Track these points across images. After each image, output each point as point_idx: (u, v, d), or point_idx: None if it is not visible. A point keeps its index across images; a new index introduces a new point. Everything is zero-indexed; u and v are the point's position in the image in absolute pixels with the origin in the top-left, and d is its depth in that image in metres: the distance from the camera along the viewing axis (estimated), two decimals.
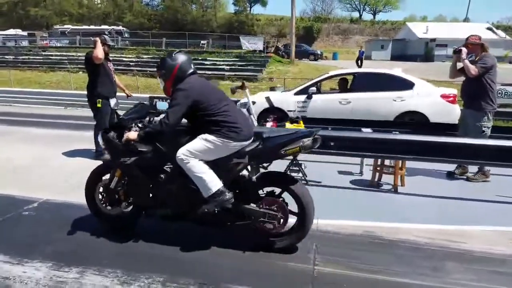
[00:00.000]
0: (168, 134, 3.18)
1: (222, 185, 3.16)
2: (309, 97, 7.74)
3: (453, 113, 6.89)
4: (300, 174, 5.38)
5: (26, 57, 28.97)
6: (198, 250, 3.42)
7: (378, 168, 5.33)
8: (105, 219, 3.69)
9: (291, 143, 3.20)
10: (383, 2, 64.25)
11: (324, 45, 52.29)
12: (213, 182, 3.14)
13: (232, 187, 3.24)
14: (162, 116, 3.15)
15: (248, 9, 61.29)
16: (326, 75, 8.15)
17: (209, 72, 24.46)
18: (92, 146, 6.62)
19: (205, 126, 3.15)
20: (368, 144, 5.00)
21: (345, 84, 8.09)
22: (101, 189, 3.61)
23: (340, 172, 5.81)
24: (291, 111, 7.71)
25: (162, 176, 3.30)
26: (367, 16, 65.18)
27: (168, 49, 31.29)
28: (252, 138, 3.27)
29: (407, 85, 7.25)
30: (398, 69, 7.97)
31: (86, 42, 35.54)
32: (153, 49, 30.65)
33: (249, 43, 30.82)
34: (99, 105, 6.06)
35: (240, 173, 3.34)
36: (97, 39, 6.05)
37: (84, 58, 6.26)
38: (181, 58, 3.31)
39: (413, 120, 6.79)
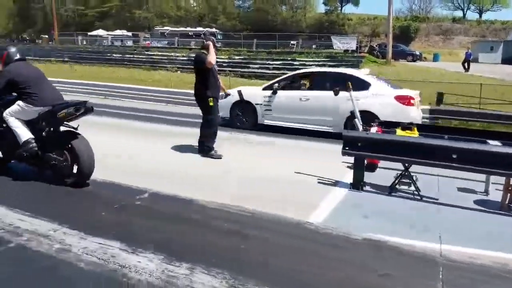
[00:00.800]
0: None
1: (31, 137, 4.68)
2: (274, 92, 8.54)
3: (405, 114, 7.28)
4: (412, 188, 4.91)
5: (131, 56, 31.74)
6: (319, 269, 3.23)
7: (511, 189, 4.63)
8: None
9: (62, 109, 4.60)
10: (492, 0, 58.24)
11: (422, 46, 49.05)
12: (23, 134, 4.67)
13: (39, 140, 4.71)
14: None
15: (339, 8, 60.09)
16: (288, 75, 9.08)
17: None
18: (194, 142, 6.85)
19: (19, 96, 4.71)
20: (497, 159, 4.38)
21: (309, 82, 8.79)
22: None
23: (460, 189, 5.19)
24: (258, 104, 8.69)
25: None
26: (471, 15, 59.71)
27: (259, 50, 31.92)
28: (51, 106, 4.68)
29: (363, 85, 7.72)
30: (365, 70, 8.66)
31: (182, 43, 37.81)
32: (244, 50, 31.47)
33: (340, 43, 30.06)
34: (211, 104, 6.23)
35: (44, 130, 4.73)
36: (210, 43, 6.19)
37: (193, 58, 6.46)
38: (9, 48, 4.92)
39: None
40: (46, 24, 60.61)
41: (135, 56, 31.63)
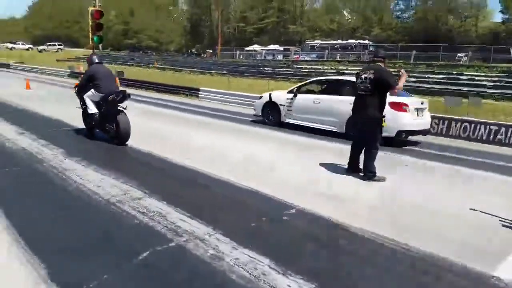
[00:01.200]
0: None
1: (96, 111, 7.46)
2: (295, 95, 10.22)
3: (396, 118, 8.37)
4: None
5: (281, 69, 33.15)
6: None
7: None
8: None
9: (110, 95, 7.18)
10: None
11: None
12: (92, 109, 7.48)
13: (100, 114, 7.50)
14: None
15: None
16: (308, 81, 10.88)
17: (465, 89, 21.78)
18: (342, 159, 6.51)
19: (92, 85, 7.51)
20: None
21: (324, 87, 10.22)
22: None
23: None
24: (282, 105, 10.46)
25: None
26: None
27: (417, 62, 29.67)
28: (111, 94, 7.27)
29: None
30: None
31: (332, 56, 37.80)
32: (400, 62, 29.67)
33: None
34: (384, 124, 5.88)
35: (102, 108, 7.49)
36: (404, 72, 5.79)
37: (376, 75, 5.74)
38: (92, 55, 7.72)
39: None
40: (211, 40, 68.31)
41: (284, 69, 32.91)
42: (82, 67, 31.30)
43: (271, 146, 8.21)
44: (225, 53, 51.25)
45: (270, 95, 10.98)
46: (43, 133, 7.93)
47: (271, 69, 33.54)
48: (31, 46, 69.23)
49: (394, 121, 8.27)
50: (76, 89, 7.92)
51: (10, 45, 66.25)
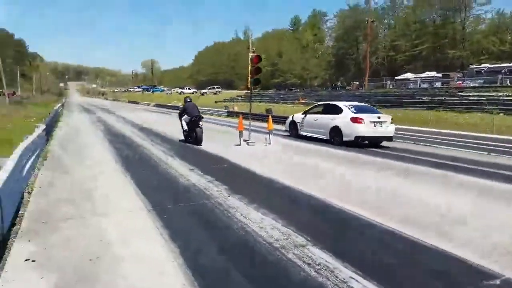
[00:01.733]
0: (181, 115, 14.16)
1: (186, 128, 13.68)
2: (305, 116, 15.41)
3: (353, 128, 12.85)
4: None
5: (442, 98, 30.12)
6: None
7: None
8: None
9: (193, 117, 13.28)
10: None
11: None
12: (184, 126, 13.76)
13: (189, 128, 13.76)
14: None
15: None
16: (315, 105, 16.98)
17: None
18: None
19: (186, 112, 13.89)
20: None
21: (322, 109, 15.06)
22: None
23: None
24: (298, 122, 15.60)
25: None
26: None
27: None
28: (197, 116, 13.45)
29: (339, 111, 13.61)
30: (347, 103, 14.32)
31: (505, 81, 32.83)
32: None
33: None
34: None
35: (189, 124, 13.81)
36: None
37: None
38: (186, 98, 14.40)
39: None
40: (357, 72, 67.40)
41: (446, 98, 29.82)
42: (236, 107, 34.28)
43: (466, 195, 7.11)
44: (372, 84, 49.67)
45: (292, 116, 16.25)
46: (208, 169, 8.56)
47: (429, 98, 30.80)
48: (195, 90, 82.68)
49: (352, 130, 12.89)
50: (178, 115, 14.08)
51: (179, 90, 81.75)
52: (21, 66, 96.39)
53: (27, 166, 7.16)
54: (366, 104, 16.40)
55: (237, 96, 57.11)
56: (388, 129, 12.96)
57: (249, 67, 13.84)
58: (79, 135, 15.85)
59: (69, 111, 36.11)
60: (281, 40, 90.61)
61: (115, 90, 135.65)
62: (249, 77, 13.89)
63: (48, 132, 13.69)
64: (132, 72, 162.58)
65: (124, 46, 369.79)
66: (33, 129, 10.71)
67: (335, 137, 13.20)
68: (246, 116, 17.07)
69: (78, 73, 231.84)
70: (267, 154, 11.08)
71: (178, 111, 14.52)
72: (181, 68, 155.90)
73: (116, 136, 15.65)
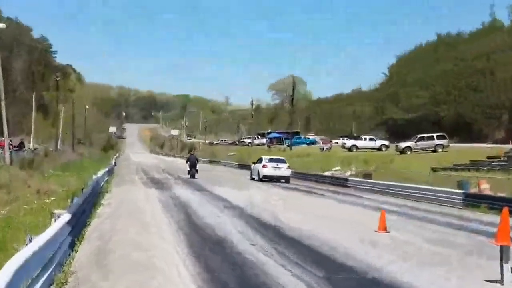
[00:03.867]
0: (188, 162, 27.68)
1: (188, 169, 26.53)
2: (253, 164, 29.03)
3: (261, 170, 25.86)
4: None
5: None
6: None
7: None
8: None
9: (192, 160, 27.05)
10: None
11: None
12: (188, 167, 26.59)
13: (190, 166, 26.53)
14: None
15: None
16: (258, 158, 28.96)
17: None
18: None
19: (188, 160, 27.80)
20: None
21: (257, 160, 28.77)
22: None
23: None
24: (253, 169, 28.23)
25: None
26: None
27: None
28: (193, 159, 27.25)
29: (261, 161, 26.43)
30: (268, 157, 27.96)
31: None
32: None
33: None
34: None
35: (190, 164, 26.53)
36: None
37: None
38: (190, 154, 31.85)
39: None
40: None
41: None
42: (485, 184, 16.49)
43: None
44: None
45: (252, 163, 27.89)
46: None
47: None
48: (385, 142, 42.19)
49: (260, 171, 25.22)
50: (186, 161, 28.37)
51: (345, 140, 45.48)
52: (39, 88, 63.17)
53: None
54: (282, 158, 28.11)
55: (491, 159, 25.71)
56: (284, 172, 25.39)
57: None
58: (138, 243, 7.64)
59: (123, 186, 20.10)
60: None
61: (216, 142, 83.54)
62: None
63: (75, 228, 7.36)
64: (252, 105, 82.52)
65: (228, 59, 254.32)
66: (47, 221, 6.87)
67: (258, 176, 25.74)
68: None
69: (146, 106, 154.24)
70: None
71: (187, 163, 27.48)
72: (338, 96, 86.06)
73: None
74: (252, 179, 26.25)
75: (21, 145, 35.86)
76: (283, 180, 24.77)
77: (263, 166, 25.23)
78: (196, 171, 26.04)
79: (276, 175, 25.07)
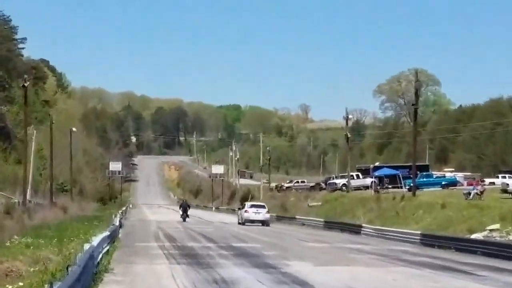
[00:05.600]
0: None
1: (182, 213, 39.12)
2: (239, 210, 43.00)
3: (244, 215, 35.54)
4: None
5: None
6: None
7: None
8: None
9: (184, 206, 40.19)
10: None
11: None
12: (180, 212, 40.39)
13: (183, 211, 39.30)
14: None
15: None
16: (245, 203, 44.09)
17: None
18: None
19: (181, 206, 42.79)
20: None
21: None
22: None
23: None
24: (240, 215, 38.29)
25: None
26: None
27: None
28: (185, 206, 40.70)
29: (244, 206, 38.39)
30: (251, 203, 41.30)
31: None
32: None
33: None
34: None
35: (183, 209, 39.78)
36: None
37: None
38: (182, 201, 49.10)
39: None
40: None
41: None
42: None
43: None
44: None
45: (238, 209, 41.10)
46: None
47: None
48: None
49: (243, 216, 34.61)
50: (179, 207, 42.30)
51: None
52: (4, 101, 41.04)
53: None
54: (263, 204, 37.73)
55: None
56: (263, 216, 33.35)
57: None
58: None
59: (133, 261, 13.80)
60: None
61: (287, 185, 56.54)
62: None
63: None
64: (347, 120, 46.54)
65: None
66: None
67: (242, 219, 34.07)
68: None
69: (169, 124, 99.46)
70: None
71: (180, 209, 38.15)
72: (496, 103, 55.06)
73: None
74: (239, 223, 35.06)
75: None
76: (259, 224, 33.45)
77: (245, 211, 34.46)
78: (187, 215, 37.75)
79: (256, 219, 33.80)
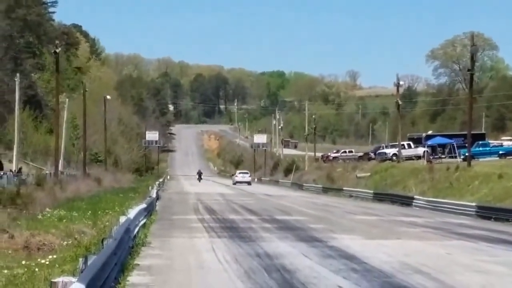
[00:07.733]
0: None
1: (198, 177, 62.91)
2: (233, 176, 68.65)
3: (235, 178, 57.32)
4: None
5: None
6: None
7: None
8: None
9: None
10: None
11: None
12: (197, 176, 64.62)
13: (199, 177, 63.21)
14: None
15: None
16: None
17: None
18: None
19: None
20: None
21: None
22: None
23: None
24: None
25: None
26: None
27: None
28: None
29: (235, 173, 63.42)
30: (243, 170, 62.10)
31: None
32: None
33: None
34: None
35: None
36: None
37: None
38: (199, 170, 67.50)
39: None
40: None
41: None
42: None
43: None
44: None
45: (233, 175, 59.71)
46: None
47: None
48: None
49: (234, 179, 55.74)
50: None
51: None
52: (27, 69, 39.23)
53: None
54: (246, 171, 59.66)
55: None
56: (247, 178, 54.49)
57: None
58: None
59: (172, 234, 13.82)
60: None
61: (333, 155, 53.97)
62: None
63: None
64: (398, 86, 42.13)
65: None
66: None
67: (233, 182, 54.35)
68: None
69: (209, 91, 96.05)
70: None
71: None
72: None
73: None
74: (233, 184, 52.45)
75: (19, 170, 27.02)
76: (245, 184, 51.66)
77: (236, 176, 55.32)
78: (201, 178, 58.30)
79: (243, 181, 52.84)
